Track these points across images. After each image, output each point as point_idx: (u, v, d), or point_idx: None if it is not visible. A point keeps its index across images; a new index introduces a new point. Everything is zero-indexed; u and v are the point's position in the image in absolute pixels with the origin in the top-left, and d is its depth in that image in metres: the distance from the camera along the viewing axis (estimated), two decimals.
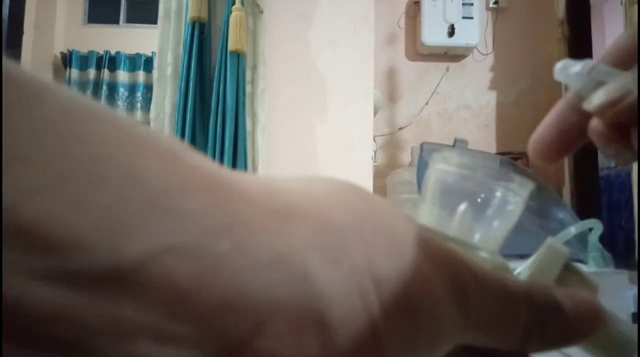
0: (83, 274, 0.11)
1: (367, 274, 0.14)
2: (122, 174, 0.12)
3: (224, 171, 0.14)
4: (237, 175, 0.15)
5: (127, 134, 0.13)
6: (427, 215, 0.21)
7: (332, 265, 0.14)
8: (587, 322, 0.18)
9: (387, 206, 0.17)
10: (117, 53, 4.09)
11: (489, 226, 0.20)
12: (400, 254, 0.15)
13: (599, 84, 0.21)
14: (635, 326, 0.21)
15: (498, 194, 0.20)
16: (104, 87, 4.05)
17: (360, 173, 2.09)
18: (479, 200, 0.20)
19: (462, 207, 0.20)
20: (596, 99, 0.21)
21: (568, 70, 0.22)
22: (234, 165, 1.87)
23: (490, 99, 2.97)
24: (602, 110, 0.21)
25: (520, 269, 0.20)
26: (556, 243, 0.21)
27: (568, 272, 0.20)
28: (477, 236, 0.20)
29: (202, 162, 0.14)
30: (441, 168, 0.21)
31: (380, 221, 0.16)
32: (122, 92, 4.09)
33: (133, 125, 0.13)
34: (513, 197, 0.20)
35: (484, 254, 0.20)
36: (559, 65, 0.22)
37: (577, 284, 0.20)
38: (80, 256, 0.11)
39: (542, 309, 0.18)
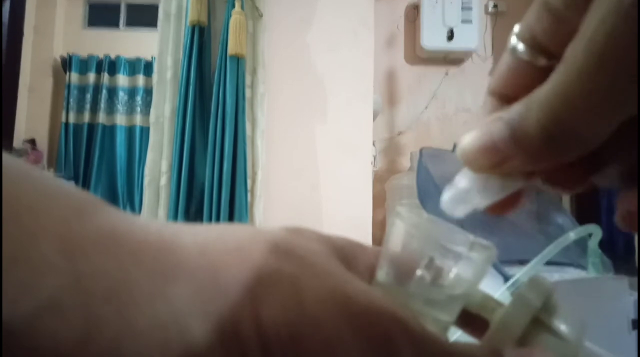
0: None
1: (254, 337, 0.15)
2: (24, 233, 0.13)
3: (129, 226, 0.15)
4: (140, 231, 0.15)
5: (38, 192, 0.14)
6: (385, 275, 0.20)
7: (214, 331, 0.14)
8: None
9: (314, 260, 0.17)
10: (117, 57, 4.09)
11: (446, 291, 0.19)
12: (301, 313, 0.15)
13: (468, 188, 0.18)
14: None
15: (453, 262, 0.19)
16: (104, 91, 4.05)
17: (359, 178, 2.09)
18: (436, 264, 0.19)
19: (419, 272, 0.19)
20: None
21: (447, 200, 0.19)
22: (233, 169, 1.87)
23: None
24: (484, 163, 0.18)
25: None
26: (527, 293, 0.19)
27: (538, 328, 0.19)
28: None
29: (109, 218, 0.15)
30: (401, 225, 0.20)
31: (286, 277, 0.16)
32: (122, 96, 4.09)
33: (45, 179, 0.14)
34: (469, 266, 0.19)
35: (442, 316, 0.19)
36: (443, 206, 0.19)
37: (549, 343, 0.18)
38: None
39: None
